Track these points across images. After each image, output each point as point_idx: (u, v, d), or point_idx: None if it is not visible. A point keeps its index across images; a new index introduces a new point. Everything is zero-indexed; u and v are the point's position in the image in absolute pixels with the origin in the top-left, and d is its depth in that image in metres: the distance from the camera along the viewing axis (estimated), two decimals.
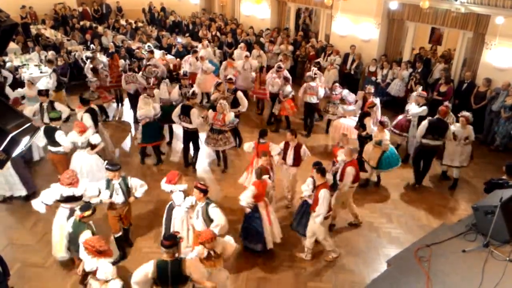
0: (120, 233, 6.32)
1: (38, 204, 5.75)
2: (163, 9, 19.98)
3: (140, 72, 10.60)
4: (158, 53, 13.20)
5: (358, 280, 6.10)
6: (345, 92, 10.20)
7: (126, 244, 6.57)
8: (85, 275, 4.94)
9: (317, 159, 7.07)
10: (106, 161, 6.59)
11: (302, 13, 16.89)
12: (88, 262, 4.73)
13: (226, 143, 8.51)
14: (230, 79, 9.73)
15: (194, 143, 8.76)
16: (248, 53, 12.07)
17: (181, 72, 10.56)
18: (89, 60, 11.43)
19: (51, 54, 12.18)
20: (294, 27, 16.06)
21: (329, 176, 6.24)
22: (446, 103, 8.69)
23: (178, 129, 9.64)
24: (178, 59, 13.11)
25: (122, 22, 18.01)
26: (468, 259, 5.34)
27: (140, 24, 18.01)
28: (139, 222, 7.05)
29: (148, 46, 12.90)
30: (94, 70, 10.92)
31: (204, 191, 5.47)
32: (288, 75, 10.77)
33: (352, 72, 12.56)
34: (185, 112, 8.27)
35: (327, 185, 5.93)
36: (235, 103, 9.21)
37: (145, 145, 8.86)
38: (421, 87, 9.84)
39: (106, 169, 6.05)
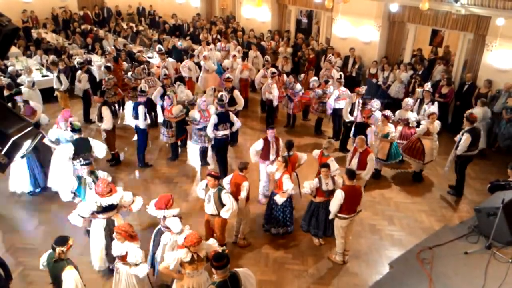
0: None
1: (74, 218, 5.76)
2: (142, 9, 20.28)
3: (130, 73, 10.76)
4: (158, 57, 13.20)
5: (361, 282, 6.08)
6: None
7: None
8: None
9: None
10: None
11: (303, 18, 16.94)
12: (117, 247, 4.89)
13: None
14: (228, 78, 9.94)
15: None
16: (235, 53, 12.71)
17: (161, 73, 10.58)
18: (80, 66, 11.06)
19: (52, 58, 12.22)
20: (294, 29, 16.08)
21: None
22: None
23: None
24: (178, 63, 13.13)
25: (123, 25, 18.06)
26: (470, 261, 5.34)
27: (141, 28, 18.06)
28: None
29: (159, 48, 12.87)
30: (108, 68, 10.94)
31: (217, 177, 5.90)
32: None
33: (354, 74, 12.56)
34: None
35: (346, 188, 5.96)
36: (232, 102, 9.41)
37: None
38: (422, 89, 9.93)
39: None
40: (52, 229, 6.80)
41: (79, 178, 6.19)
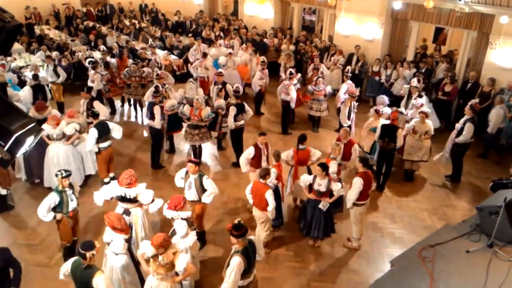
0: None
1: (98, 197, 5.90)
2: (145, 6, 20.35)
3: (126, 69, 10.77)
4: (161, 53, 13.20)
5: (362, 280, 6.09)
6: (328, 88, 10.48)
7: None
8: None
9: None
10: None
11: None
12: (107, 233, 5.09)
13: (203, 138, 8.64)
14: (220, 72, 10.10)
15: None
16: (231, 50, 12.95)
17: (154, 73, 10.72)
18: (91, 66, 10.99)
19: (55, 54, 12.23)
20: (297, 27, 16.05)
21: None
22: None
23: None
24: (181, 60, 13.11)
25: (126, 22, 18.05)
26: (472, 259, 5.32)
27: (143, 25, 18.06)
28: None
29: (151, 42, 12.80)
30: (106, 65, 10.94)
31: (197, 164, 6.04)
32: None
33: (357, 71, 12.53)
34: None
35: (362, 175, 6.13)
36: (225, 96, 9.56)
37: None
38: (419, 80, 9.98)
39: None
40: (54, 226, 6.81)
41: (59, 192, 5.76)
